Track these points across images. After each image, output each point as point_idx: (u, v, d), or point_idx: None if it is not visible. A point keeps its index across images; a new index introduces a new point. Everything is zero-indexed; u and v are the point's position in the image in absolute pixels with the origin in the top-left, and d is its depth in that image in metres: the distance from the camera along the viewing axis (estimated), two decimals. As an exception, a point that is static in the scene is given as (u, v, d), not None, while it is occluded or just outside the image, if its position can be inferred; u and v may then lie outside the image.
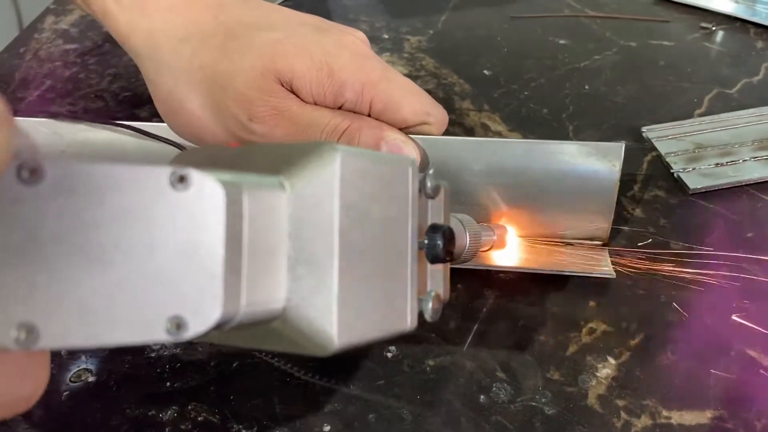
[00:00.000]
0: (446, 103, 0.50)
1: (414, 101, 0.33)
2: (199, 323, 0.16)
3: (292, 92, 0.32)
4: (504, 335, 0.33)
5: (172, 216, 0.16)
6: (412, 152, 0.33)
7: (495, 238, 0.34)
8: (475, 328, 0.33)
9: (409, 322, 0.21)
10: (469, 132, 0.47)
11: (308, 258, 0.18)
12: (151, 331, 0.16)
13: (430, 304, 0.22)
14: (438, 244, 0.22)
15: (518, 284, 0.36)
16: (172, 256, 0.16)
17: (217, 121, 0.33)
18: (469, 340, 0.33)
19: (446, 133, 0.35)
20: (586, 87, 0.52)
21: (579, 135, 0.47)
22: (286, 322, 0.19)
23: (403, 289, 0.21)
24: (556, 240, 0.37)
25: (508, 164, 0.35)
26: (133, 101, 0.50)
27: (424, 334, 0.33)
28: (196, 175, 0.16)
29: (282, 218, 0.18)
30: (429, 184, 0.23)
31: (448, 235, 0.23)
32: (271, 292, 0.18)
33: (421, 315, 0.22)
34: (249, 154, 0.22)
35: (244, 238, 0.17)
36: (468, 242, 0.30)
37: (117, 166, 0.15)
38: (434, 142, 0.35)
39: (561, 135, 0.47)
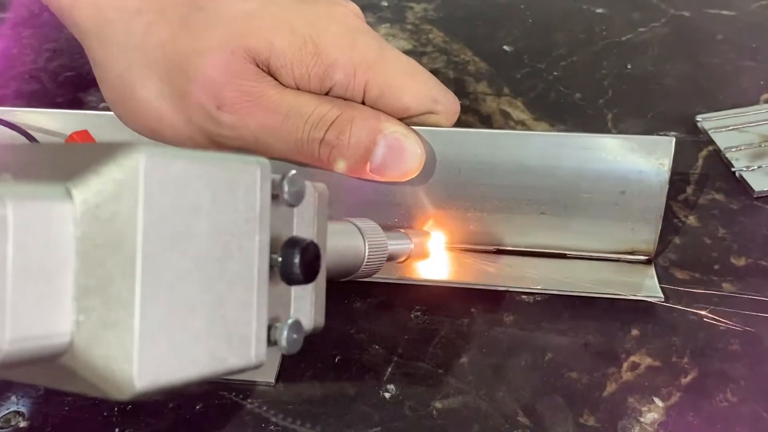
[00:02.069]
0: (458, 85, 0.50)
1: (418, 85, 0.33)
2: None
3: (270, 74, 0.32)
4: (527, 371, 0.33)
5: None
6: (415, 148, 0.33)
7: (412, 246, 0.34)
8: (493, 361, 0.33)
9: (253, 356, 0.22)
10: (486, 121, 0.47)
11: (101, 284, 0.18)
12: None
13: (286, 333, 0.23)
14: (294, 262, 0.22)
15: (544, 309, 0.36)
16: None
17: (177, 110, 0.33)
18: (484, 376, 0.33)
19: (458, 123, 0.36)
20: (629, 66, 0.52)
21: (619, 125, 0.47)
22: (76, 360, 0.19)
23: (245, 317, 0.21)
24: (591, 253, 0.37)
25: (534, 162, 0.35)
26: (76, 83, 0.50)
27: (429, 369, 0.33)
28: None
29: (67, 235, 0.18)
30: (287, 189, 0.23)
31: (312, 251, 0.23)
32: (50, 325, 0.18)
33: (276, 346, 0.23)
34: (45, 155, 0.22)
35: (7, 260, 0.17)
36: (367, 253, 0.30)
37: None
38: (443, 136, 0.35)
39: (598, 125, 0.47)
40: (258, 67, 0.32)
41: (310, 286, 0.25)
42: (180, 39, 0.32)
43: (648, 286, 0.36)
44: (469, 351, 0.34)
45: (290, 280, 0.23)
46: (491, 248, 0.38)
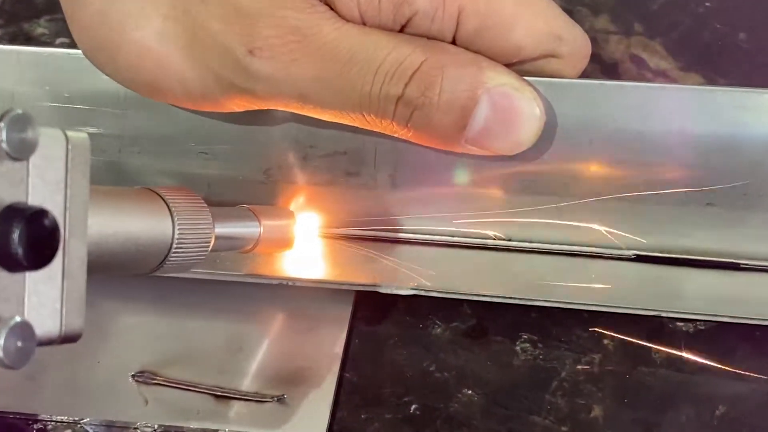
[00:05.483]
0: (568, 20, 0.49)
1: (534, 16, 0.33)
2: None
3: (323, 2, 0.32)
4: (691, 430, 0.33)
5: None
6: (531, 107, 0.33)
7: (260, 230, 0.35)
8: (640, 416, 0.33)
9: None
10: (610, 71, 0.47)
11: None
12: None
13: (3, 340, 0.22)
14: (12, 239, 0.22)
15: (711, 341, 0.36)
16: None
17: (188, 57, 0.33)
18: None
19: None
20: (811, -6, 0.51)
21: (802, 78, 0.47)
22: None
23: None
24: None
25: (699, 131, 0.35)
26: (22, 11, 0.51)
27: (548, 425, 0.33)
28: None
29: None
30: (5, 135, 0.23)
31: (44, 224, 0.23)
32: None
33: None
34: None
35: None
36: (176, 237, 0.30)
37: None
38: (567, 90, 0.35)
39: (770, 78, 0.47)
40: (308, -8, 0.32)
41: (56, 275, 0.24)
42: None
43: None
44: (605, 401, 0.34)
45: (10, 264, 0.23)
46: (629, 254, 0.37)
